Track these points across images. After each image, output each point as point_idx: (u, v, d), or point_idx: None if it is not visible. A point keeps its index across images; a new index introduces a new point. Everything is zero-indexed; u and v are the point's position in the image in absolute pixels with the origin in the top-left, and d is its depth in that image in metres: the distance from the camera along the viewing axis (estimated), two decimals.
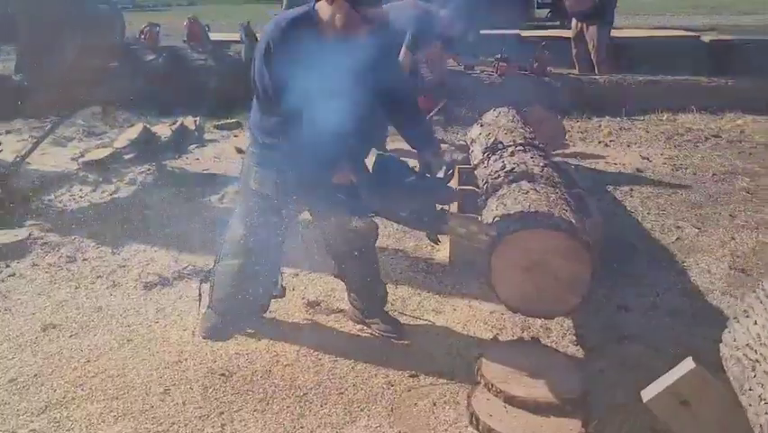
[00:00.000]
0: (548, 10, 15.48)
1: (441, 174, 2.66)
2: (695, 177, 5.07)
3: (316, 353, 2.79)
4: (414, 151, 2.75)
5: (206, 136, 6.30)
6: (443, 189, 2.60)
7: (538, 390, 2.38)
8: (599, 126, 6.56)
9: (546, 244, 2.51)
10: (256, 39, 7.69)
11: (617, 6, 7.74)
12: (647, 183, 4.90)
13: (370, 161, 2.66)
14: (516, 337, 2.87)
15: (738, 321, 1.87)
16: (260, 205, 2.69)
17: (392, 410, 2.44)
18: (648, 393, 1.78)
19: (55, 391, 2.55)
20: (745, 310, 1.87)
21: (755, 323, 1.78)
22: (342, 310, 3.13)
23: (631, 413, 2.28)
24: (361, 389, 2.57)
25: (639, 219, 4.21)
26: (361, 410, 2.44)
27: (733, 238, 3.89)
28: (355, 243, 2.80)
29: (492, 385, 2.41)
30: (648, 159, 5.49)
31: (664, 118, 6.78)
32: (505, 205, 2.83)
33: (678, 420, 1.77)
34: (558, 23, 12.82)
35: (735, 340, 1.85)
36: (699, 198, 4.56)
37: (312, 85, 2.37)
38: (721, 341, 1.95)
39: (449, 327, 3.02)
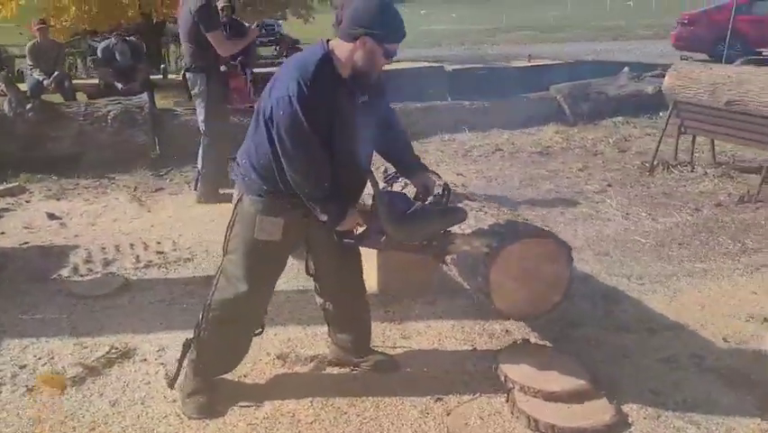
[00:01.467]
0: (273, 47, 16.09)
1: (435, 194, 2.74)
2: (506, 185, 5.86)
3: (316, 407, 2.69)
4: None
5: None
6: (454, 211, 2.70)
7: (564, 382, 2.67)
8: None
9: (536, 251, 2.81)
10: (18, 89, 6.76)
11: None
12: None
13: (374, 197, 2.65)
14: (508, 343, 3.10)
15: None
16: (266, 255, 2.56)
17: None
18: None
19: None
20: None
21: None
22: (315, 356, 3.05)
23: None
24: (402, 425, 2.57)
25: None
26: None
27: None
28: (355, 279, 2.79)
29: (528, 387, 2.63)
30: (462, 174, 6.17)
31: (446, 138, 7.62)
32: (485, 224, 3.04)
33: None
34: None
35: None
36: (513, 203, 5.21)
37: (342, 127, 2.38)
38: None
39: (426, 348, 3.14)
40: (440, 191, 2.71)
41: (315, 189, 2.41)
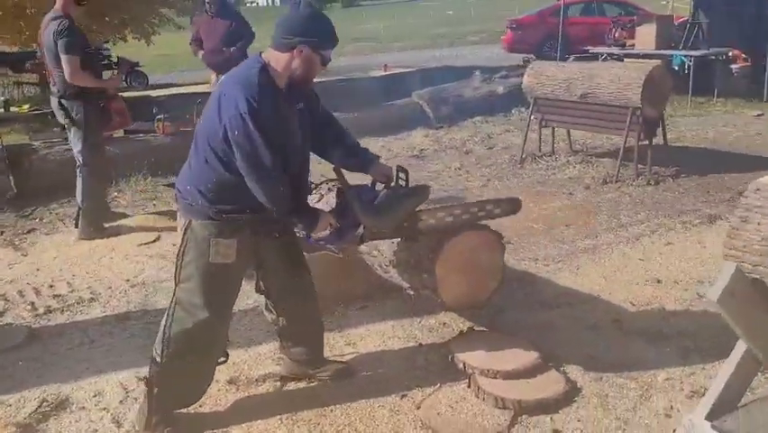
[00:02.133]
0: (111, 71, 15.24)
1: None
2: None
3: (288, 423, 2.67)
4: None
5: None
6: (420, 189, 2.75)
7: (517, 361, 2.86)
8: None
9: (475, 242, 2.99)
10: None
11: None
12: None
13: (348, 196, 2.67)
14: (458, 333, 3.24)
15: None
16: (223, 278, 2.51)
17: (428, 429, 2.58)
18: (714, 295, 2.35)
19: None
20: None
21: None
22: (266, 375, 3.01)
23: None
24: (377, 426, 2.62)
25: None
26: None
27: None
28: (308, 289, 2.80)
29: (487, 370, 2.80)
30: None
31: None
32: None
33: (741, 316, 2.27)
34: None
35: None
36: None
37: (288, 137, 2.40)
38: None
39: (374, 351, 3.21)
40: (400, 174, 2.76)
41: (284, 202, 2.42)
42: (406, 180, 2.74)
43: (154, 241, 4.89)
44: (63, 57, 4.50)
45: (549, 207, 5.26)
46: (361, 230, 2.61)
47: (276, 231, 2.64)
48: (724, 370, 2.43)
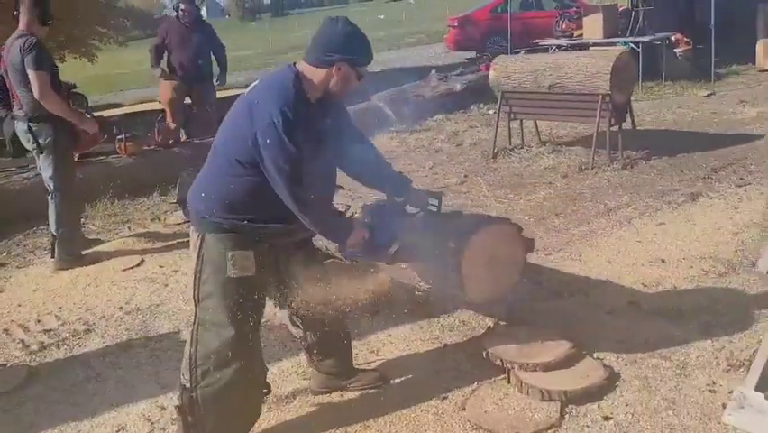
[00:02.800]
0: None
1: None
2: (376, 192, 5.99)
3: None
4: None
5: None
6: (456, 215, 2.76)
7: (552, 352, 2.85)
8: None
9: (497, 236, 2.96)
10: None
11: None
12: None
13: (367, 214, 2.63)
14: (484, 329, 3.22)
15: None
16: (244, 292, 2.38)
17: (479, 429, 2.54)
18: (764, 266, 2.42)
19: None
20: None
21: None
22: (296, 391, 2.92)
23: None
24: (426, 431, 2.56)
25: None
26: None
27: None
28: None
29: (526, 364, 2.77)
30: None
31: None
32: None
33: None
34: None
35: None
36: None
37: (317, 148, 2.34)
38: None
39: (401, 355, 3.15)
40: (432, 199, 2.73)
41: (314, 210, 2.33)
42: (438, 205, 2.72)
43: (138, 265, 4.68)
44: (31, 73, 4.26)
45: (534, 198, 5.30)
46: (394, 249, 2.54)
47: (295, 243, 2.56)
48: (766, 342, 2.48)
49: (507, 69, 6.53)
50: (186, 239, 4.95)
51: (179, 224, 5.45)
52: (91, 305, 4.09)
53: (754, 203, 4.66)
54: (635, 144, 6.24)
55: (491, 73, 6.70)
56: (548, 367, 2.77)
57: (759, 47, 9.95)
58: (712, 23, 8.61)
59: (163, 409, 2.92)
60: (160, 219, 5.69)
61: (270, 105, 2.20)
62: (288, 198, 2.27)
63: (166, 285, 4.32)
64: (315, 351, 2.83)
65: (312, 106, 2.33)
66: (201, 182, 2.46)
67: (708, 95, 8.64)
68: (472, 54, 16.20)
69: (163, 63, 7.32)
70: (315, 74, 2.32)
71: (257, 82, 2.42)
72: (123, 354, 3.47)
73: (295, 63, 2.37)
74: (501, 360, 2.84)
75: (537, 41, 10.64)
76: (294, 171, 2.23)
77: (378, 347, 3.25)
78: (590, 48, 9.05)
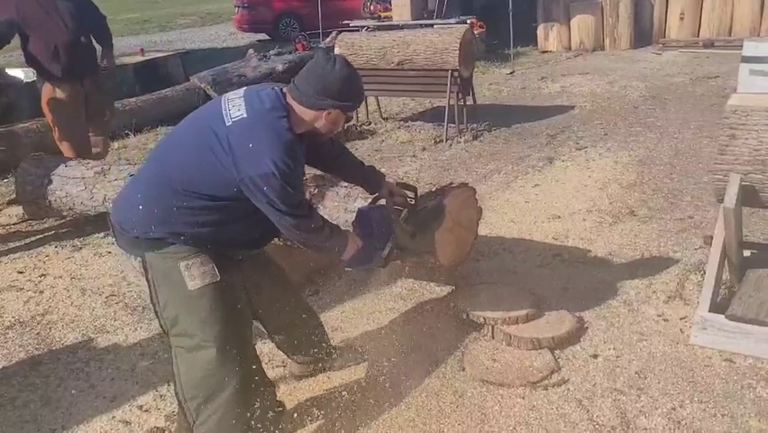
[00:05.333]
0: None
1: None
2: None
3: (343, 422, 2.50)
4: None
5: None
6: (440, 213, 2.75)
7: (525, 304, 3.00)
8: None
9: (461, 200, 3.02)
10: None
11: None
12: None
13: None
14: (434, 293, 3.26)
15: None
16: (214, 303, 2.11)
17: (488, 383, 2.60)
18: (729, 202, 2.68)
19: None
20: None
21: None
22: (276, 378, 2.72)
23: None
24: (430, 397, 2.56)
25: None
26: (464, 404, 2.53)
27: None
28: (293, 295, 2.60)
29: (509, 318, 2.89)
30: None
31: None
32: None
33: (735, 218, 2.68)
34: None
35: None
36: None
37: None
38: None
39: (368, 330, 3.08)
40: (408, 192, 2.72)
41: (319, 237, 2.20)
42: (415, 198, 2.72)
43: None
44: None
45: (408, 170, 5.44)
46: (386, 251, 2.48)
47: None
48: (709, 272, 2.87)
49: (354, 47, 6.57)
50: (33, 238, 4.31)
51: (15, 224, 4.68)
52: None
53: (597, 162, 5.28)
54: (474, 118, 6.68)
55: (336, 50, 6.67)
56: (527, 319, 2.91)
57: (540, 30, 11.19)
58: (510, 8, 9.47)
59: (128, 423, 2.53)
60: None
61: (264, 155, 1.98)
62: (289, 233, 2.15)
63: (41, 292, 3.70)
64: (289, 350, 2.65)
65: (302, 140, 2.15)
66: (134, 198, 2.14)
67: (510, 73, 9.52)
68: (263, 36, 15.98)
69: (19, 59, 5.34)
70: (305, 113, 2.13)
71: (228, 106, 2.09)
72: (34, 373, 2.91)
73: (284, 91, 2.15)
74: (485, 318, 2.91)
75: (347, 21, 10.80)
76: (297, 210, 2.09)
77: (338, 325, 3.13)
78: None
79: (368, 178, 2.62)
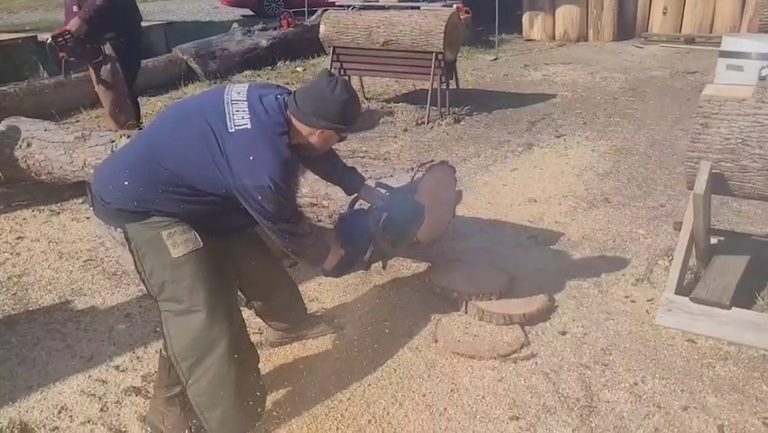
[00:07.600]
0: None
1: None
2: None
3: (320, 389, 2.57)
4: None
5: None
6: (420, 215, 2.76)
7: (498, 282, 3.08)
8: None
9: (439, 177, 3.07)
10: None
11: None
12: None
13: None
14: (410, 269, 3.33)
15: None
16: (199, 268, 2.15)
17: (460, 355, 2.67)
18: (699, 188, 2.77)
19: None
20: None
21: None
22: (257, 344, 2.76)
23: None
24: (413, 367, 2.63)
25: None
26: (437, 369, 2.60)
27: None
28: (273, 264, 2.67)
29: (482, 294, 2.96)
30: None
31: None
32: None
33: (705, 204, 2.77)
34: None
35: None
36: None
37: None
38: None
39: (342, 302, 3.14)
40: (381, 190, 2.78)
41: (308, 248, 2.34)
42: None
43: None
44: None
45: (390, 150, 5.48)
46: (368, 255, 2.53)
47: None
48: (677, 256, 2.96)
49: (339, 25, 6.56)
50: (10, 201, 4.28)
51: None
52: None
53: (575, 150, 5.37)
54: (457, 101, 6.73)
55: (322, 27, 6.67)
56: (500, 296, 2.99)
57: (525, 18, 11.24)
58: None
59: (104, 382, 2.57)
60: None
61: (264, 170, 2.05)
62: (276, 237, 2.24)
63: (18, 254, 3.70)
64: (267, 316, 2.72)
65: (294, 148, 2.19)
66: (120, 175, 2.15)
67: (494, 59, 9.57)
68: (247, 12, 15.85)
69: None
70: (301, 128, 2.20)
71: (231, 109, 2.13)
72: (10, 332, 2.93)
73: (286, 104, 2.19)
74: (458, 293, 2.98)
75: (333, 0, 10.73)
76: (290, 222, 2.21)
77: (315, 296, 3.19)
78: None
79: (347, 179, 2.69)
